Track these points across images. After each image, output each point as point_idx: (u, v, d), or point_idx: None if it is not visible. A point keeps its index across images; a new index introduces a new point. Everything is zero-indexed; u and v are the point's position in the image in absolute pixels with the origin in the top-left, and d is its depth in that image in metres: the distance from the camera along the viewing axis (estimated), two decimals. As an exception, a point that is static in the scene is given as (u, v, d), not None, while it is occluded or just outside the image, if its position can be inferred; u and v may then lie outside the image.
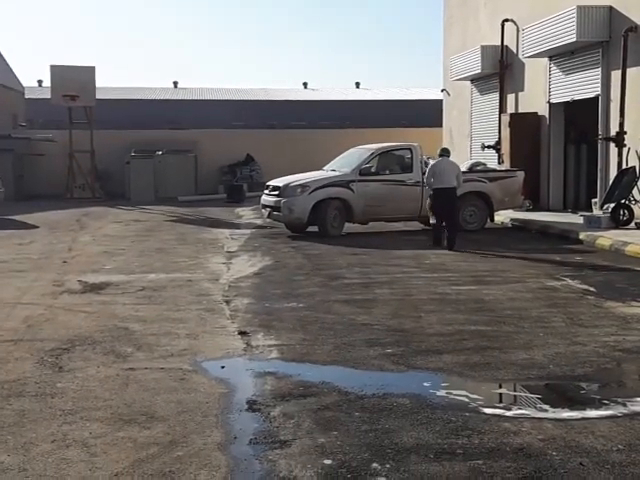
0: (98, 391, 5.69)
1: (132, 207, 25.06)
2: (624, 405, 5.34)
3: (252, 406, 5.33)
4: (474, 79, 24.91)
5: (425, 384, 5.87)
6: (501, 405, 5.47)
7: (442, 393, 5.65)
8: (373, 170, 16.59)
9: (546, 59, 20.08)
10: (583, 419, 5.07)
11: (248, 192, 28.89)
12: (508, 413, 5.20)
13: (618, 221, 15.66)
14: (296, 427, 4.91)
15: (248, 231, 17.58)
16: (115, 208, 24.67)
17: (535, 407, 5.36)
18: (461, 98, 26.56)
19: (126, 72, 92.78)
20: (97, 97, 29.44)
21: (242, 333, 7.48)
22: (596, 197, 17.90)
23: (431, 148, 17.38)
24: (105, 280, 10.69)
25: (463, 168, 18.03)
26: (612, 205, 15.99)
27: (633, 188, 15.96)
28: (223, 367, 6.38)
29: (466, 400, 5.46)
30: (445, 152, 14.83)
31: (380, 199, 16.28)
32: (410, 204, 16.21)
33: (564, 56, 19.28)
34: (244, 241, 15.66)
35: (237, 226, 19.00)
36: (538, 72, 20.71)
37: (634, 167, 16.05)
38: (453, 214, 14.39)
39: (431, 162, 15.33)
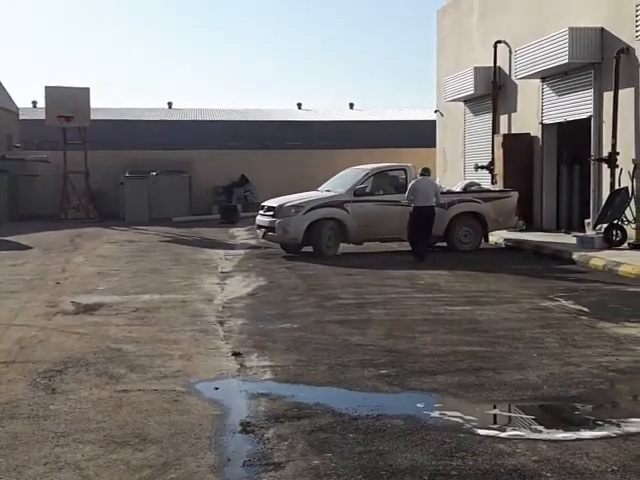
0: (91, 413, 5.66)
1: (126, 228, 25.05)
2: (618, 426, 5.34)
3: (246, 428, 5.31)
4: (467, 100, 25.05)
5: (419, 405, 5.86)
6: (495, 426, 5.45)
7: (436, 414, 5.64)
8: (368, 190, 16.64)
9: (539, 80, 20.21)
10: (577, 440, 5.06)
11: (242, 212, 28.90)
12: (502, 434, 5.19)
13: (611, 241, 15.71)
14: (290, 449, 4.89)
15: (242, 251, 17.58)
16: (109, 229, 24.66)
17: (529, 428, 5.35)
18: (454, 119, 26.70)
19: (120, 93, 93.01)
20: (91, 118, 29.51)
21: (236, 354, 7.46)
22: (589, 217, 17.96)
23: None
24: (98, 301, 10.66)
25: (458, 188, 18.16)
26: (605, 225, 16.05)
27: (626, 209, 16.00)
28: (217, 388, 6.36)
29: (460, 421, 5.45)
30: (426, 172, 15.84)
31: (375, 219, 16.32)
32: (404, 224, 16.21)
33: (557, 77, 19.41)
34: (238, 261, 15.66)
35: (231, 246, 19.00)
36: (531, 93, 20.85)
37: (626, 188, 16.11)
38: (430, 230, 15.52)
39: (412, 181, 15.99)
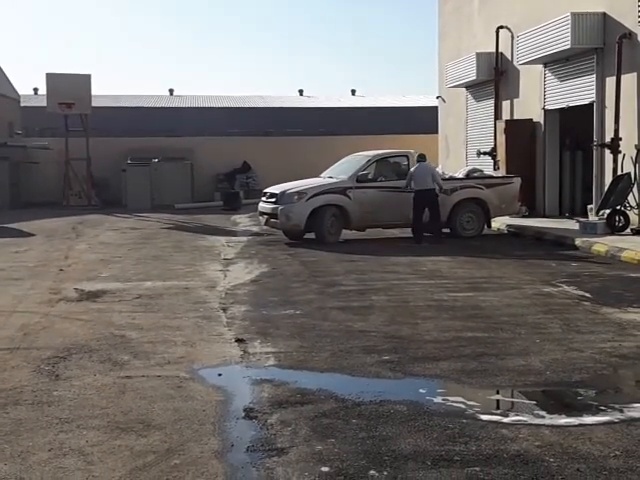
0: (95, 399, 5.68)
1: (128, 215, 25.03)
2: (621, 411, 5.34)
3: (249, 414, 5.32)
4: (469, 86, 24.98)
5: (422, 391, 5.87)
6: (498, 412, 5.46)
7: (439, 400, 5.65)
8: (370, 177, 16.60)
9: (541, 66, 20.14)
10: (580, 425, 5.07)
11: (245, 199, 28.89)
12: (505, 420, 5.20)
13: (614, 227, 15.69)
14: (293, 434, 4.91)
15: (245, 238, 17.57)
16: (111, 216, 24.64)
17: (532, 413, 5.36)
18: (456, 105, 26.62)
19: (122, 80, 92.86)
20: (93, 105, 29.46)
21: (239, 340, 7.47)
22: (592, 203, 17.94)
23: (427, 155, 17.41)
24: (101, 288, 10.68)
25: (460, 175, 18.13)
26: (608, 211, 16.02)
27: (628, 194, 15.99)
28: (220, 375, 6.37)
29: (463, 407, 5.45)
30: (422, 158, 16.36)
31: (377, 206, 16.30)
32: (407, 211, 16.20)
33: (559, 63, 19.34)
34: (241, 248, 15.65)
35: (234, 233, 18.99)
36: (533, 79, 20.78)
37: (629, 173, 16.08)
38: (435, 211, 15.96)
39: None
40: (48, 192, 30.08)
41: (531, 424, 5.09)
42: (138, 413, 5.35)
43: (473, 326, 7.99)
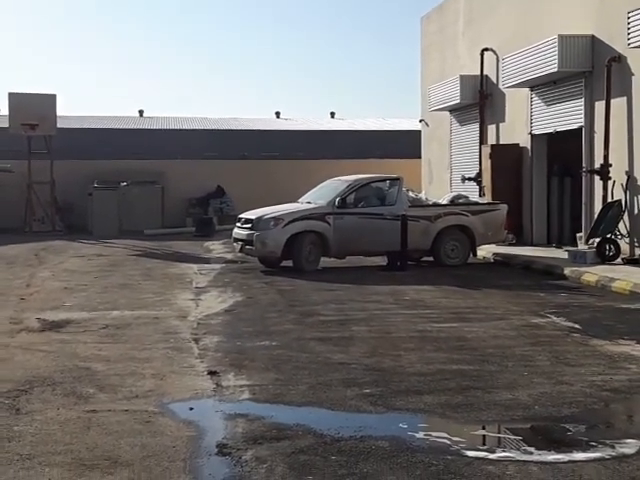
0: (58, 435, 5.62)
1: (95, 241, 24.94)
2: (612, 447, 5.37)
3: (222, 450, 5.29)
4: (453, 109, 25.23)
5: (405, 426, 5.87)
6: (484, 447, 5.48)
7: (423, 435, 5.65)
8: (350, 203, 16.67)
9: (527, 89, 20.39)
10: (570, 462, 5.09)
11: (218, 225, 28.83)
12: (492, 456, 5.21)
13: (604, 256, 15.82)
14: (269, 472, 4.88)
15: (218, 266, 17.55)
16: (76, 242, 24.52)
17: (520, 449, 5.37)
18: (440, 129, 26.87)
19: (89, 100, 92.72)
20: (58, 126, 29.38)
21: (212, 373, 7.45)
22: (581, 231, 18.08)
23: (410, 180, 17.54)
24: (66, 317, 10.60)
25: (444, 201, 18.26)
26: (598, 240, 16.16)
27: (619, 222, 16.14)
28: (191, 409, 6.33)
29: (448, 442, 5.46)
30: None
31: (358, 233, 16.34)
32: (389, 238, 16.26)
33: (546, 86, 19.60)
34: (214, 276, 15.63)
35: (206, 260, 18.96)
36: (519, 102, 21.03)
37: (619, 200, 16.25)
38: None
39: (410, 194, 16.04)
40: (9, 217, 29.81)
41: (519, 460, 5.11)
42: (104, 449, 5.30)
43: (458, 358, 8.02)
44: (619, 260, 15.74)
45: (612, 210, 16.20)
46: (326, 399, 6.54)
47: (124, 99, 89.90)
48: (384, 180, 17.47)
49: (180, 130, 41.76)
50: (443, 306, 11.53)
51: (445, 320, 10.31)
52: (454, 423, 5.95)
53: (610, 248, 15.97)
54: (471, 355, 8.16)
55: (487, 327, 9.75)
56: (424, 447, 5.35)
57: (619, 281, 13.12)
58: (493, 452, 5.30)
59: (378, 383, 7.02)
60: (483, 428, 5.93)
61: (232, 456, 5.16)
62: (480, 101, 23.08)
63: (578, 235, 18.13)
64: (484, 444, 5.61)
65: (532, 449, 5.37)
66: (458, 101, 23.59)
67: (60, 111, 29.85)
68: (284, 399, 6.58)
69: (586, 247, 16.58)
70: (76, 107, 79.67)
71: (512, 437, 5.74)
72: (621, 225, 16.16)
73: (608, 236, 16.07)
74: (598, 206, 17.14)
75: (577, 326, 9.84)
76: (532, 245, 20.02)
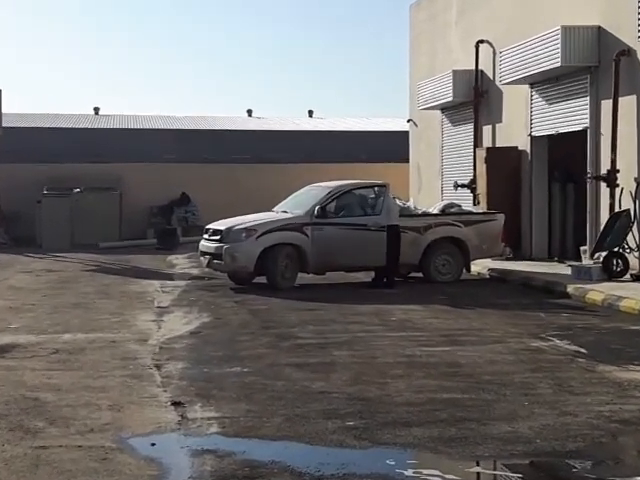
0: (3, 474, 5.58)
1: (44, 255, 24.82)
2: (623, 485, 5.40)
3: (188, 491, 5.27)
4: (445, 108, 25.36)
5: (392, 462, 5.87)
6: (481, 486, 5.49)
7: (412, 473, 5.66)
8: (331, 212, 16.70)
9: (527, 86, 20.55)
10: (576, 502, 5.11)
11: (183, 237, 28.80)
12: (489, 496, 5.22)
13: (611, 272, 15.92)
14: (241, 515, 4.87)
15: (183, 282, 17.52)
16: (23, 256, 24.40)
17: (520, 488, 5.40)
18: (430, 130, 27.00)
19: (39, 97, 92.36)
20: (3, 125, 29.24)
21: (176, 404, 7.42)
22: (585, 244, 18.20)
23: (396, 186, 17.58)
24: (11, 341, 10.54)
25: (435, 210, 18.34)
26: (604, 254, 16.25)
27: (627, 234, 16.23)
28: (154, 444, 6.31)
29: (441, 481, 5.47)
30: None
31: (339, 246, 16.36)
32: (374, 252, 16.29)
33: (547, 83, 19.75)
34: (178, 294, 15.59)
35: (170, 277, 18.92)
36: (518, 101, 21.18)
37: (628, 210, 16.34)
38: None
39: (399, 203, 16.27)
40: (-53, 227, 29.62)
41: (519, 501, 5.13)
42: (55, 491, 5.26)
43: (451, 386, 8.04)
44: (627, 276, 15.85)
45: (620, 221, 16.28)
46: (304, 433, 6.53)
47: (77, 95, 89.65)
48: (369, 187, 17.51)
49: (140, 130, 41.63)
50: (434, 328, 11.56)
51: (436, 343, 10.33)
52: (447, 459, 5.96)
53: (618, 263, 16.06)
54: (465, 382, 8.18)
55: (482, 351, 9.78)
56: (414, 486, 5.36)
57: (628, 300, 13.22)
58: (490, 492, 5.32)
59: (362, 414, 7.01)
60: (479, 465, 5.94)
61: (199, 498, 5.14)
62: (475, 99, 23.23)
63: (582, 248, 18.24)
64: (480, 483, 5.62)
65: (534, 488, 5.40)
66: (450, 99, 23.72)
67: (5, 108, 29.71)
68: (257, 433, 6.56)
69: (591, 262, 16.68)
70: (23, 104, 79.14)
71: (511, 475, 5.76)
72: (630, 238, 16.25)
73: (615, 250, 16.17)
74: (604, 216, 17.22)
75: (582, 350, 9.90)
76: (531, 259, 20.14)
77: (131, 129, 42.03)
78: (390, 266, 16.27)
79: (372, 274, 16.95)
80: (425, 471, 5.68)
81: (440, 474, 5.59)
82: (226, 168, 34.22)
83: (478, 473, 5.82)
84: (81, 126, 42.24)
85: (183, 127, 42.75)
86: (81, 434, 6.50)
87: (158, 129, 41.70)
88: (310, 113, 50.06)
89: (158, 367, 9.07)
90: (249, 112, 48.89)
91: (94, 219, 29.60)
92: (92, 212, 29.80)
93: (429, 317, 12.56)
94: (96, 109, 47.74)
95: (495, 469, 5.95)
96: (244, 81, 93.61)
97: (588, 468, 5.86)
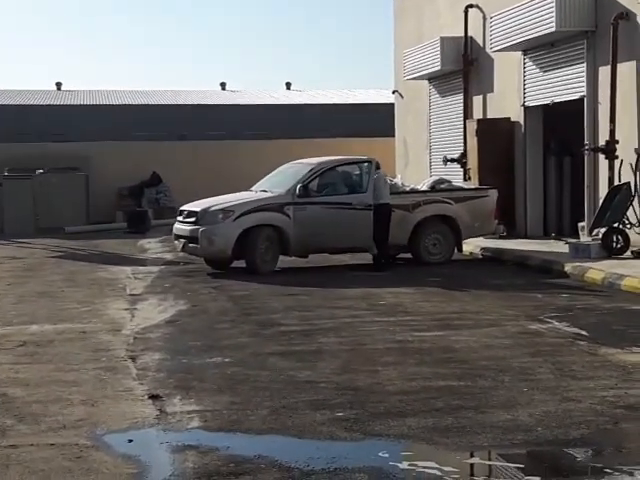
0: (-30, 476, 5.57)
1: (6, 241, 24.75)
2: (630, 474, 5.43)
3: (170, 489, 5.27)
4: (432, 78, 25.35)
5: (386, 455, 5.88)
6: (480, 478, 5.51)
7: (407, 466, 5.69)
8: (314, 190, 16.67)
9: (519, 53, 20.56)
10: (581, 492, 5.15)
11: (154, 220, 28.72)
12: (490, 488, 5.25)
13: (611, 249, 16.00)
14: (227, 514, 4.88)
15: (156, 268, 17.49)
16: (-16, 242, 24.29)
17: (521, 479, 5.42)
18: (417, 101, 26.99)
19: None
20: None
21: (153, 397, 7.42)
22: (583, 221, 18.27)
23: (382, 162, 17.55)
24: (-26, 334, 10.48)
25: (424, 187, 18.34)
26: (603, 230, 16.32)
27: (628, 209, 16.28)
28: (131, 441, 6.30)
29: (437, 473, 5.49)
30: (378, 166, 16.83)
31: (323, 226, 16.35)
32: (360, 232, 16.29)
33: (541, 49, 19.76)
34: (151, 281, 15.59)
35: (142, 262, 18.89)
36: (510, 69, 21.19)
37: (628, 183, 16.38)
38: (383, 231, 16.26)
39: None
40: None
41: (521, 492, 5.16)
42: (27, 492, 5.25)
43: (446, 373, 8.06)
44: (628, 253, 15.93)
45: (620, 195, 16.33)
46: (292, 425, 6.53)
47: (38, 69, 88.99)
48: (353, 163, 17.51)
49: (107, 106, 41.39)
50: (425, 311, 11.59)
51: (428, 328, 10.35)
52: (443, 450, 5.98)
53: (618, 239, 16.14)
54: (460, 369, 8.21)
55: (478, 335, 9.81)
56: (409, 479, 5.37)
57: (629, 278, 13.29)
58: (490, 483, 5.35)
59: (353, 405, 7.03)
60: (477, 455, 5.96)
61: (182, 496, 5.15)
62: (464, 68, 23.21)
63: (580, 225, 18.31)
64: (479, 474, 5.64)
65: (535, 478, 5.41)
66: (438, 68, 23.70)
67: (-39, 84, 29.47)
68: (242, 426, 6.56)
69: (590, 239, 16.75)
70: (-21, 80, 78.65)
71: (512, 465, 5.78)
72: (630, 212, 16.31)
73: (615, 225, 16.24)
74: (603, 190, 17.29)
75: (583, 332, 9.95)
76: (526, 237, 20.21)
77: (97, 105, 41.78)
78: (379, 247, 16.27)
79: (357, 256, 16.96)
80: (420, 463, 5.69)
81: (436, 466, 5.61)
82: (200, 145, 34.11)
83: (477, 464, 5.84)
84: (43, 102, 41.95)
85: (153, 102, 42.54)
86: (53, 431, 6.49)
87: (126, 104, 41.48)
88: (288, 85, 49.92)
89: (133, 358, 9.05)
90: (222, 85, 48.70)
91: (59, 202, 29.46)
92: (57, 194, 29.66)
93: (420, 300, 12.58)
94: (58, 84, 47.42)
95: (495, 459, 5.96)
96: (216, 52, 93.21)
97: (592, 457, 5.89)
